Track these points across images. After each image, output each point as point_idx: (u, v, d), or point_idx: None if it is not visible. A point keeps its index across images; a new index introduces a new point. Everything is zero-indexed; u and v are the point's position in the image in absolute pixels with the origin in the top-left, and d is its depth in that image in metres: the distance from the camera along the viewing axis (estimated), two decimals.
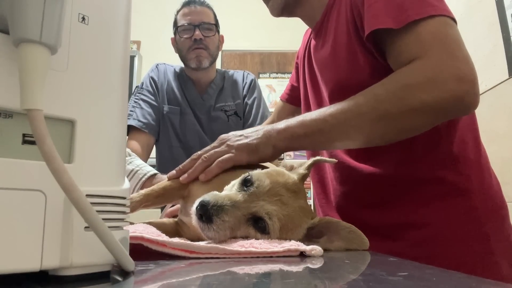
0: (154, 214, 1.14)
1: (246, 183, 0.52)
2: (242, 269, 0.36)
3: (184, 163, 0.69)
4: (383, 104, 0.61)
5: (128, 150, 1.07)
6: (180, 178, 0.67)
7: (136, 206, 0.64)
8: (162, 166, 1.41)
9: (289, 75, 1.14)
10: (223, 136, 0.70)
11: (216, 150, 0.67)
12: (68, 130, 0.29)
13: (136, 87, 1.45)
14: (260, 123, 1.40)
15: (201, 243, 0.45)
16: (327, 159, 0.64)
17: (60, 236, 0.27)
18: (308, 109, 0.95)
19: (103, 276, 0.29)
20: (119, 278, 0.29)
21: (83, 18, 0.30)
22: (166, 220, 0.71)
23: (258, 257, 0.43)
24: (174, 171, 0.69)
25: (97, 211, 0.27)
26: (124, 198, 0.31)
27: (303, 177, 0.58)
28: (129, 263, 0.30)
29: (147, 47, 4.00)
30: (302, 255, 0.44)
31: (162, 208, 1.07)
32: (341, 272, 0.36)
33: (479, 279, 0.30)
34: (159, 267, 0.36)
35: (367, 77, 0.70)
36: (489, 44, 1.87)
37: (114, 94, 0.32)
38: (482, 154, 0.77)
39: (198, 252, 0.42)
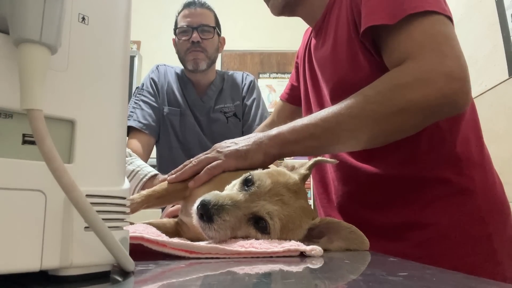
0: (154, 214, 1.14)
1: (247, 183, 0.52)
2: (242, 269, 0.36)
3: (177, 168, 0.70)
4: (373, 105, 0.61)
5: (128, 150, 1.07)
6: (168, 178, 0.67)
7: (137, 207, 0.64)
8: (162, 167, 1.41)
9: (289, 75, 1.14)
10: (217, 144, 0.71)
11: (206, 156, 0.67)
12: (68, 130, 0.29)
13: (137, 88, 1.45)
14: (259, 124, 1.40)
15: (201, 243, 0.45)
16: (328, 159, 0.64)
17: (60, 236, 0.27)
18: (309, 108, 0.95)
19: (103, 276, 0.29)
20: (119, 278, 0.29)
21: (83, 18, 0.30)
22: (166, 220, 0.71)
23: (258, 257, 0.43)
24: (166, 175, 0.70)
25: (97, 211, 0.27)
26: (124, 198, 0.31)
27: (304, 177, 0.58)
28: (129, 263, 0.30)
29: (147, 47, 4.00)
30: (302, 255, 0.44)
31: (163, 209, 1.07)
32: (341, 272, 0.36)
33: (479, 279, 0.30)
34: (159, 267, 0.36)
35: (368, 76, 0.70)
36: (489, 44, 1.87)
37: (114, 94, 0.32)
38: (485, 154, 0.77)
39: (198, 252, 0.42)
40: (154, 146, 1.42)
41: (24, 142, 0.27)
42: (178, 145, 1.41)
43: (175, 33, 1.43)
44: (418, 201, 0.73)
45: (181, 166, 0.69)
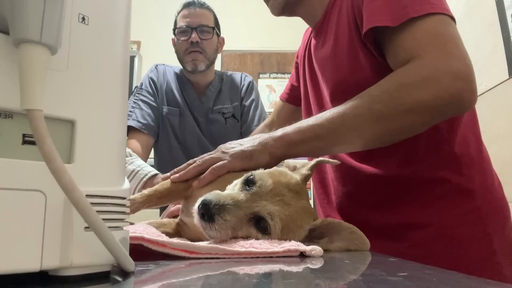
0: (154, 214, 1.14)
1: (248, 183, 0.52)
2: (242, 269, 0.36)
3: (180, 167, 0.69)
4: (379, 105, 0.60)
5: (129, 150, 1.07)
6: (171, 177, 0.67)
7: (139, 207, 0.64)
8: (161, 166, 1.41)
9: (289, 75, 1.14)
10: (221, 145, 0.70)
11: (211, 156, 0.67)
12: (68, 130, 0.29)
13: (135, 87, 1.45)
14: (258, 125, 1.40)
15: (201, 243, 0.45)
16: (330, 160, 0.64)
17: (60, 236, 0.27)
18: (309, 108, 0.95)
19: (103, 276, 0.29)
20: (119, 279, 0.29)
21: (83, 18, 0.30)
22: (166, 220, 0.71)
23: (258, 257, 0.43)
24: (168, 173, 0.70)
25: (97, 211, 0.27)
26: (124, 198, 0.31)
27: (306, 178, 0.58)
28: (129, 264, 0.30)
29: (147, 47, 4.00)
30: (302, 255, 0.44)
31: (163, 208, 1.07)
32: (341, 272, 0.36)
33: (479, 279, 0.30)
34: (159, 267, 0.36)
35: (368, 76, 0.70)
36: (489, 44, 1.87)
37: (114, 94, 0.32)
38: (484, 154, 0.77)
39: (198, 252, 0.42)
40: (153, 147, 1.42)
41: (24, 142, 0.27)
42: (177, 145, 1.41)
43: (174, 33, 1.43)
44: (417, 201, 0.72)
45: (185, 165, 0.69)
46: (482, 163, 0.76)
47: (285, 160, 0.68)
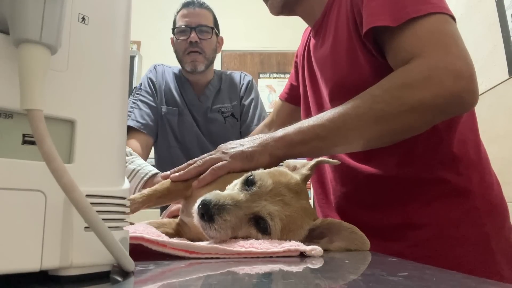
0: (154, 214, 1.14)
1: (248, 183, 0.52)
2: (242, 269, 0.36)
3: (180, 166, 0.69)
4: (380, 104, 0.60)
5: (129, 149, 1.07)
6: (171, 176, 0.67)
7: (139, 206, 0.64)
8: (161, 166, 1.41)
9: (289, 75, 1.14)
10: (221, 145, 0.70)
11: (211, 156, 0.67)
12: (68, 130, 0.29)
13: (135, 87, 1.45)
14: (257, 125, 1.40)
15: (201, 243, 0.45)
16: (330, 160, 0.64)
17: (60, 236, 0.27)
18: (308, 108, 0.95)
19: (103, 276, 0.29)
20: (119, 278, 0.29)
21: (83, 18, 0.30)
22: (166, 220, 0.71)
23: (258, 257, 0.43)
24: (168, 172, 0.70)
25: (97, 211, 0.27)
26: (124, 198, 0.31)
27: (306, 178, 0.58)
28: (129, 263, 0.30)
29: (147, 47, 4.00)
30: (302, 255, 0.44)
31: (163, 208, 1.07)
32: (341, 272, 0.36)
33: (479, 279, 0.30)
34: (159, 267, 0.36)
35: (367, 76, 0.70)
36: (489, 44, 1.87)
37: (114, 94, 0.32)
38: (482, 154, 0.77)
39: (198, 252, 0.42)
40: (152, 146, 1.42)
41: (24, 142, 0.27)
42: (176, 145, 1.41)
43: (173, 33, 1.43)
44: (416, 201, 0.72)
45: (185, 165, 0.69)
46: (480, 163, 0.76)
47: (285, 160, 0.68)
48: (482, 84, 1.87)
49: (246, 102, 1.48)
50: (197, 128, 1.43)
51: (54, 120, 0.28)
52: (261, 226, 0.49)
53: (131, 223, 0.55)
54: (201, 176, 0.64)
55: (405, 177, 0.73)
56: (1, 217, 0.24)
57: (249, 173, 0.53)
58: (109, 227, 0.28)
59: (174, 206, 0.87)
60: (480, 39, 1.93)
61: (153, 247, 0.40)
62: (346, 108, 0.63)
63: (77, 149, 0.29)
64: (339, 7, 0.78)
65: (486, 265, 0.68)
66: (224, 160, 0.65)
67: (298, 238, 0.51)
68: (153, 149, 1.44)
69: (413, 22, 0.62)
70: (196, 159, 0.69)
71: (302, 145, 0.64)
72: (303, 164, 0.62)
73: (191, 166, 0.67)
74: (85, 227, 0.27)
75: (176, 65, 1.50)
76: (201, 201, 0.48)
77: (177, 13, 1.44)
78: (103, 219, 0.27)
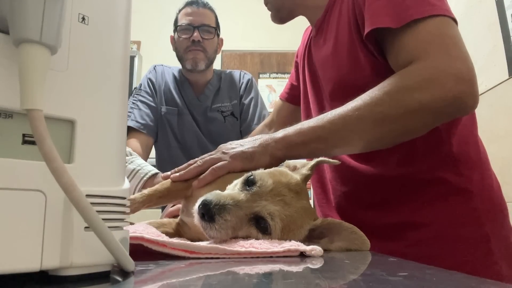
0: (154, 214, 1.14)
1: (248, 183, 0.52)
2: (242, 269, 0.36)
3: (180, 166, 0.69)
4: (381, 107, 0.60)
5: (129, 149, 1.07)
6: (171, 176, 0.67)
7: (139, 206, 0.64)
8: (161, 166, 1.41)
9: (289, 75, 1.14)
10: (222, 145, 0.70)
11: (212, 156, 0.67)
12: (68, 130, 0.29)
13: (135, 88, 1.45)
14: (257, 124, 1.40)
15: (201, 243, 0.45)
16: (330, 160, 0.64)
17: (60, 236, 0.27)
18: (308, 107, 0.95)
19: (103, 276, 0.29)
20: (119, 278, 0.29)
21: (83, 18, 0.30)
22: (166, 220, 0.71)
23: (258, 257, 0.43)
24: (168, 172, 0.70)
25: (97, 211, 0.27)
26: (124, 198, 0.31)
27: (306, 178, 0.58)
28: (129, 263, 0.30)
29: (147, 47, 4.00)
30: (302, 255, 0.44)
31: (163, 208, 1.07)
32: (341, 272, 0.36)
33: (479, 279, 0.30)
34: (159, 267, 0.36)
35: (368, 76, 0.70)
36: (489, 44, 1.87)
37: (114, 94, 0.32)
38: (482, 154, 0.77)
39: (198, 252, 0.42)
40: (153, 146, 1.42)
41: (24, 142, 0.27)
42: (176, 145, 1.41)
43: (175, 31, 1.42)
44: (416, 201, 0.73)
45: (185, 165, 0.69)
46: (480, 163, 0.76)
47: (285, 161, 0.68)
48: (482, 84, 1.87)
49: (246, 101, 1.47)
50: (197, 128, 1.43)
51: (54, 120, 0.28)
52: (261, 226, 0.49)
53: (131, 223, 0.55)
54: (201, 176, 0.64)
55: (405, 177, 0.73)
56: (1, 217, 0.24)
57: (250, 173, 0.53)
58: (109, 227, 0.28)
59: (174, 207, 0.87)
60: (480, 39, 1.93)
61: (153, 247, 0.40)
62: (346, 110, 0.63)
63: (77, 149, 0.29)
64: (341, 8, 0.78)
65: (486, 264, 0.68)
66: (225, 160, 0.65)
67: (298, 238, 0.51)
68: (153, 149, 1.44)
69: (415, 24, 0.62)
70: (196, 159, 0.69)
71: (302, 146, 0.64)
72: (303, 164, 0.62)
73: (192, 166, 0.67)
74: (85, 227, 0.27)
75: (176, 66, 1.50)
76: (202, 201, 0.48)
77: (180, 11, 1.43)
78: (103, 219, 0.27)
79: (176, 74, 1.48)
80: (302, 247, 0.44)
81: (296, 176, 0.56)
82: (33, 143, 0.26)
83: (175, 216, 0.80)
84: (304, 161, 0.65)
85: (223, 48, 1.58)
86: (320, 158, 0.63)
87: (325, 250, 0.46)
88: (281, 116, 1.13)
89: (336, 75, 0.79)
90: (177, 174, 0.67)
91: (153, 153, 1.42)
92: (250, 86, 1.51)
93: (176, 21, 1.43)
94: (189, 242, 0.43)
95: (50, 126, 0.25)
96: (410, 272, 0.34)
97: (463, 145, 0.73)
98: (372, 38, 0.68)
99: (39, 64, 0.25)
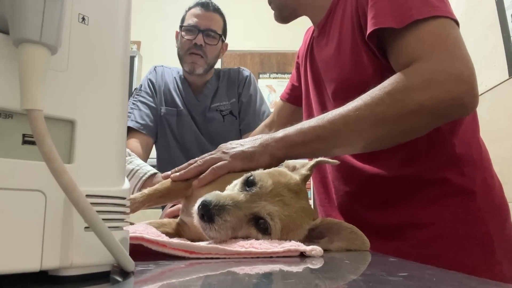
0: (154, 214, 1.14)
1: (248, 183, 0.52)
2: (242, 270, 0.36)
3: (181, 166, 0.69)
4: (382, 107, 0.60)
5: (128, 150, 1.07)
6: (171, 176, 0.67)
7: (139, 206, 0.64)
8: (161, 167, 1.41)
9: (290, 76, 1.14)
10: (222, 144, 0.70)
11: (212, 156, 0.67)
12: (68, 130, 0.29)
13: (135, 89, 1.45)
14: (256, 122, 1.39)
15: (201, 244, 0.45)
16: (330, 160, 0.64)
17: (60, 236, 0.27)
18: (310, 108, 0.95)
19: (103, 276, 0.29)
20: (119, 279, 0.29)
21: (83, 18, 0.30)
22: (166, 220, 0.71)
23: (258, 257, 0.43)
24: (169, 172, 0.70)
25: (97, 211, 0.27)
26: (124, 198, 0.31)
27: (305, 178, 0.58)
28: (129, 264, 0.30)
29: (147, 48, 4.00)
30: (302, 256, 0.44)
31: (163, 208, 1.07)
32: (341, 272, 0.36)
33: (479, 279, 0.30)
34: (159, 267, 0.36)
35: (371, 77, 0.71)
36: (489, 45, 1.87)
37: (114, 94, 0.32)
38: (484, 155, 0.78)
39: (198, 252, 0.42)
40: (154, 146, 1.42)
41: (24, 142, 0.27)
42: (176, 145, 1.41)
43: (180, 28, 1.41)
44: (419, 201, 0.73)
45: (186, 164, 0.69)
46: (482, 163, 0.76)
47: (285, 161, 0.68)
48: (482, 84, 1.87)
49: (245, 99, 1.46)
50: (196, 128, 1.42)
51: (54, 120, 0.28)
52: (261, 226, 0.49)
53: (131, 223, 0.55)
54: (202, 176, 0.64)
55: (408, 177, 0.73)
56: (1, 217, 0.24)
57: (249, 174, 0.53)
58: (109, 227, 0.28)
59: (174, 207, 0.87)
60: (480, 39, 1.93)
61: (153, 247, 0.40)
62: (347, 110, 0.63)
63: (77, 149, 0.29)
64: (344, 8, 0.79)
65: (488, 264, 0.68)
66: (225, 160, 0.65)
67: (298, 238, 0.51)
68: (154, 150, 1.44)
69: (416, 25, 0.63)
70: (196, 158, 0.69)
71: (302, 146, 0.64)
72: (303, 164, 0.62)
73: (192, 166, 0.67)
74: (85, 227, 0.27)
75: (176, 66, 1.50)
76: (201, 201, 0.48)
77: (189, 9, 1.40)
78: (103, 219, 0.27)
79: (176, 75, 1.48)
80: (302, 247, 0.44)
81: (296, 177, 0.56)
82: (33, 143, 0.26)
83: (175, 216, 0.80)
84: (303, 161, 0.65)
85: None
86: (320, 158, 0.63)
87: (325, 250, 0.46)
88: (281, 116, 1.13)
89: (339, 76, 0.79)
90: (177, 173, 0.67)
91: (153, 153, 1.42)
92: (248, 83, 1.49)
93: (183, 19, 1.41)
94: (189, 242, 0.43)
95: (50, 126, 0.25)
96: (410, 272, 0.34)
97: (466, 146, 0.74)
98: (374, 39, 0.68)
99: (39, 64, 0.25)
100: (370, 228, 0.55)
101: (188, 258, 0.41)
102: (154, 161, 1.45)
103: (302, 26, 0.98)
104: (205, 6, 1.38)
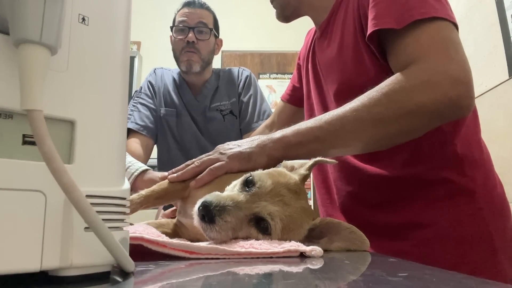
0: (154, 214, 1.14)
1: (248, 184, 0.52)
2: (242, 270, 0.36)
3: (178, 167, 0.69)
4: (379, 108, 0.61)
5: None
6: (169, 177, 0.67)
7: (136, 207, 0.64)
8: (161, 168, 1.41)
9: (289, 76, 1.15)
10: (219, 145, 0.71)
11: (209, 157, 0.67)
12: (68, 131, 0.29)
13: (135, 91, 1.46)
14: (257, 121, 1.39)
15: (201, 244, 0.45)
16: (328, 159, 0.64)
17: (60, 237, 0.27)
18: (311, 109, 0.95)
19: (103, 276, 0.29)
20: (119, 279, 0.29)
21: (83, 19, 0.30)
22: (164, 220, 0.71)
23: (258, 257, 0.43)
24: (166, 173, 0.70)
25: (97, 211, 0.27)
26: (124, 198, 0.31)
27: (304, 178, 0.58)
28: (129, 264, 0.30)
29: (147, 48, 4.00)
30: (302, 256, 0.44)
31: (165, 208, 1.07)
32: (341, 273, 0.36)
33: (479, 279, 0.30)
34: (159, 267, 0.36)
35: (373, 78, 0.71)
36: (489, 45, 1.87)
37: (114, 95, 0.32)
38: (485, 155, 0.78)
39: (198, 252, 0.42)
40: (155, 147, 1.42)
41: (24, 142, 0.27)
42: (175, 146, 1.41)
43: (172, 30, 1.43)
44: (420, 201, 0.73)
45: (183, 165, 0.69)
46: (484, 163, 0.76)
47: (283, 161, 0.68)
48: (482, 84, 1.87)
49: (245, 99, 1.46)
50: (196, 128, 1.42)
51: (54, 121, 0.28)
52: (261, 227, 0.49)
53: (131, 224, 0.55)
54: (199, 177, 0.64)
55: (410, 177, 0.74)
56: (1, 217, 0.24)
57: (248, 174, 0.53)
58: (109, 227, 0.28)
59: (167, 210, 0.87)
60: (480, 39, 1.93)
61: (153, 248, 0.40)
62: (344, 111, 0.63)
63: (77, 149, 0.29)
64: (346, 10, 0.79)
65: (490, 264, 0.69)
66: (222, 161, 0.65)
67: (298, 238, 0.51)
68: (155, 151, 1.44)
69: (416, 26, 0.63)
70: (194, 159, 0.69)
71: (300, 146, 0.65)
72: (301, 164, 0.62)
73: (189, 167, 0.67)
74: (85, 228, 0.27)
75: (175, 68, 1.50)
76: (202, 202, 0.48)
77: (178, 11, 1.43)
78: (103, 220, 0.27)
79: (175, 76, 1.48)
80: (302, 247, 0.44)
81: (295, 176, 0.56)
82: (33, 143, 0.26)
83: (173, 217, 0.80)
84: (302, 161, 0.66)
85: (223, 48, 1.57)
86: (318, 158, 0.63)
87: (325, 251, 0.46)
88: (282, 117, 1.13)
89: (341, 77, 0.79)
90: (175, 174, 0.67)
91: (153, 154, 1.42)
92: (248, 83, 1.49)
93: (173, 21, 1.43)
94: (189, 243, 0.43)
95: (50, 127, 0.25)
96: (410, 273, 0.34)
97: (467, 146, 0.74)
98: (375, 40, 0.69)
99: (39, 64, 0.25)
100: (371, 228, 0.55)
101: (188, 259, 0.41)
102: (155, 162, 1.45)
103: (303, 26, 0.98)
104: (191, 4, 1.40)
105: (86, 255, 0.28)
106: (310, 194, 3.09)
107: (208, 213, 0.47)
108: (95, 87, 0.31)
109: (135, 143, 1.27)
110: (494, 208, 0.73)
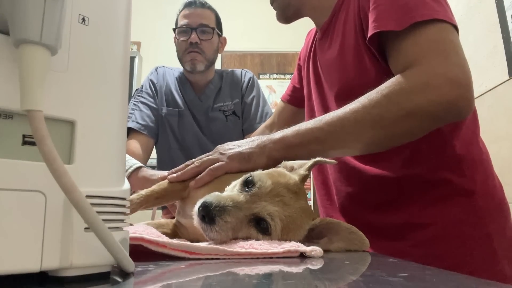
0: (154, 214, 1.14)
1: (247, 184, 0.52)
2: (242, 270, 0.36)
3: (178, 167, 0.69)
4: (379, 109, 0.61)
5: None
6: (168, 177, 0.67)
7: (136, 207, 0.64)
8: (161, 168, 1.41)
9: (290, 76, 1.15)
10: (219, 145, 0.71)
11: (209, 157, 0.67)
12: (68, 131, 0.29)
13: (136, 90, 1.45)
14: (259, 122, 1.40)
15: (201, 244, 0.45)
16: (327, 160, 0.64)
17: (60, 237, 0.27)
18: (312, 110, 0.95)
19: (103, 277, 0.29)
20: (119, 279, 0.29)
21: (83, 19, 0.30)
22: (163, 221, 0.71)
23: (258, 258, 0.43)
24: (165, 173, 0.70)
25: (97, 212, 0.27)
26: (124, 199, 0.31)
27: (304, 178, 0.58)
28: (129, 264, 0.30)
29: (147, 48, 4.00)
30: (302, 256, 0.44)
31: (163, 208, 1.07)
32: (341, 273, 0.36)
33: (479, 280, 0.30)
34: (159, 268, 0.36)
35: (373, 80, 0.71)
36: (489, 45, 1.87)
37: (114, 95, 0.32)
38: (484, 155, 0.78)
39: (198, 253, 0.42)
40: (154, 147, 1.42)
41: (24, 143, 0.27)
42: (176, 146, 1.41)
43: (175, 32, 1.43)
44: (420, 202, 0.73)
45: (183, 165, 0.69)
46: (483, 164, 0.76)
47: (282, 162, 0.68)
48: (482, 84, 1.87)
49: (248, 100, 1.46)
50: (198, 128, 1.42)
51: (54, 121, 0.28)
52: (261, 227, 0.49)
53: (131, 224, 0.55)
54: (199, 177, 0.64)
55: (410, 178, 0.74)
56: (1, 217, 0.24)
57: (248, 174, 0.53)
58: (109, 227, 0.28)
59: (164, 211, 0.87)
60: (480, 39, 1.93)
61: (153, 248, 0.40)
62: (344, 112, 0.63)
63: (77, 149, 0.29)
64: (347, 11, 0.79)
65: (489, 264, 0.69)
66: (222, 161, 0.65)
67: (298, 238, 0.51)
68: (154, 151, 1.44)
69: (416, 29, 0.63)
70: (193, 159, 0.69)
71: (300, 147, 0.65)
72: (301, 165, 0.62)
73: (189, 167, 0.67)
74: (85, 228, 0.27)
75: (177, 67, 1.50)
76: (202, 203, 0.48)
77: (179, 12, 1.43)
78: (103, 220, 0.27)
79: (178, 75, 1.48)
80: (302, 247, 0.44)
81: (294, 177, 0.56)
82: (33, 143, 0.26)
83: (172, 217, 0.80)
84: (301, 161, 0.66)
85: (224, 48, 1.58)
86: (318, 159, 0.63)
87: (324, 251, 0.46)
88: (282, 118, 1.13)
89: (342, 79, 0.79)
90: (174, 174, 0.67)
91: (153, 154, 1.42)
92: (251, 84, 1.50)
93: (176, 23, 1.43)
94: (189, 243, 0.43)
95: (50, 127, 0.25)
96: (410, 273, 0.34)
97: (466, 147, 0.74)
98: (375, 42, 0.69)
99: (39, 64, 0.25)
100: (371, 228, 0.55)
101: (188, 259, 0.41)
102: (155, 162, 1.45)
103: (303, 26, 0.98)
104: (193, 4, 1.40)
105: (86, 255, 0.28)
106: (310, 194, 3.10)
107: (208, 214, 0.47)
108: (95, 88, 0.31)
109: (135, 143, 1.27)
110: (494, 208, 0.73)
